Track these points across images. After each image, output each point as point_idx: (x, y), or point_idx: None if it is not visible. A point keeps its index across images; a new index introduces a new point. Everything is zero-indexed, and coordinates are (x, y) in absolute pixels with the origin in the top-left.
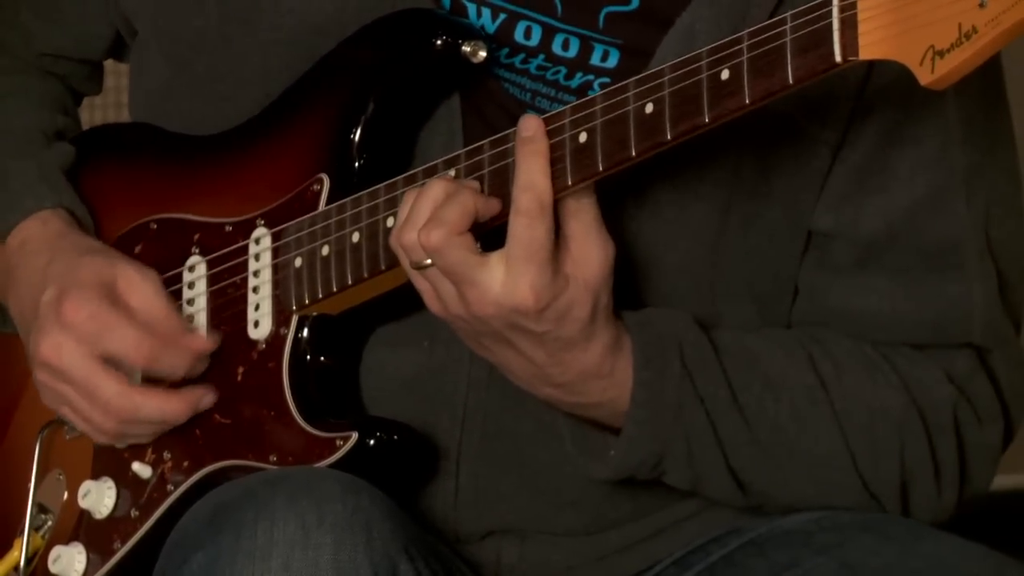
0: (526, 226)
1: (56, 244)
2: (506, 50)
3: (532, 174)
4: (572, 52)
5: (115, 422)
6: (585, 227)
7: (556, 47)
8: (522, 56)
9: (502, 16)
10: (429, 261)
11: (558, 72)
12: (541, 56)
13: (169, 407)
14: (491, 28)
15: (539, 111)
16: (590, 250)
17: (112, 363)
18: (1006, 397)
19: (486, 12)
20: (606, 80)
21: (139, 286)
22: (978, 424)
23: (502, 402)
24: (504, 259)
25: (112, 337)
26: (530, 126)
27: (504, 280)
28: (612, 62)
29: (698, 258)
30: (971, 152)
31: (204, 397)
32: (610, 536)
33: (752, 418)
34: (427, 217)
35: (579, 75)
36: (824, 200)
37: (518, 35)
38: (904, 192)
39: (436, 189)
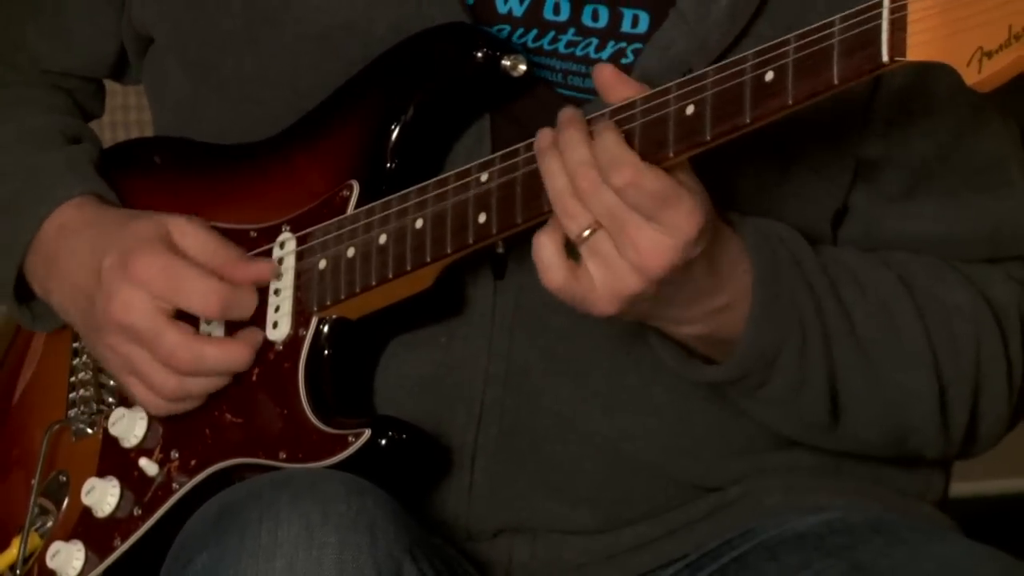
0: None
1: (97, 220)
2: (535, 32)
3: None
4: (602, 21)
5: (177, 378)
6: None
7: (586, 18)
8: (551, 35)
9: None
10: (588, 233)
11: (589, 45)
12: (571, 31)
13: (235, 353)
14: (519, 11)
15: (571, 89)
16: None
17: (182, 318)
18: None
19: None
20: (639, 46)
21: (190, 231)
22: None
23: (519, 399)
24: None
25: (184, 292)
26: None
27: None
28: (643, 27)
29: (746, 197)
30: None
31: (257, 335)
32: (623, 535)
33: (849, 307)
34: (592, 159)
35: (611, 44)
36: (872, 127)
37: (547, 12)
38: (948, 112)
39: (578, 130)
